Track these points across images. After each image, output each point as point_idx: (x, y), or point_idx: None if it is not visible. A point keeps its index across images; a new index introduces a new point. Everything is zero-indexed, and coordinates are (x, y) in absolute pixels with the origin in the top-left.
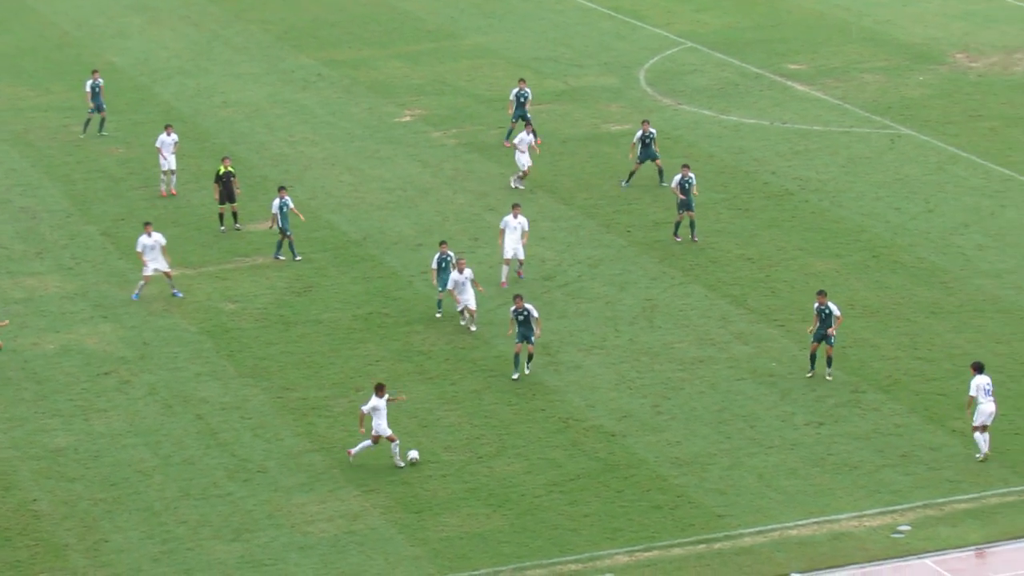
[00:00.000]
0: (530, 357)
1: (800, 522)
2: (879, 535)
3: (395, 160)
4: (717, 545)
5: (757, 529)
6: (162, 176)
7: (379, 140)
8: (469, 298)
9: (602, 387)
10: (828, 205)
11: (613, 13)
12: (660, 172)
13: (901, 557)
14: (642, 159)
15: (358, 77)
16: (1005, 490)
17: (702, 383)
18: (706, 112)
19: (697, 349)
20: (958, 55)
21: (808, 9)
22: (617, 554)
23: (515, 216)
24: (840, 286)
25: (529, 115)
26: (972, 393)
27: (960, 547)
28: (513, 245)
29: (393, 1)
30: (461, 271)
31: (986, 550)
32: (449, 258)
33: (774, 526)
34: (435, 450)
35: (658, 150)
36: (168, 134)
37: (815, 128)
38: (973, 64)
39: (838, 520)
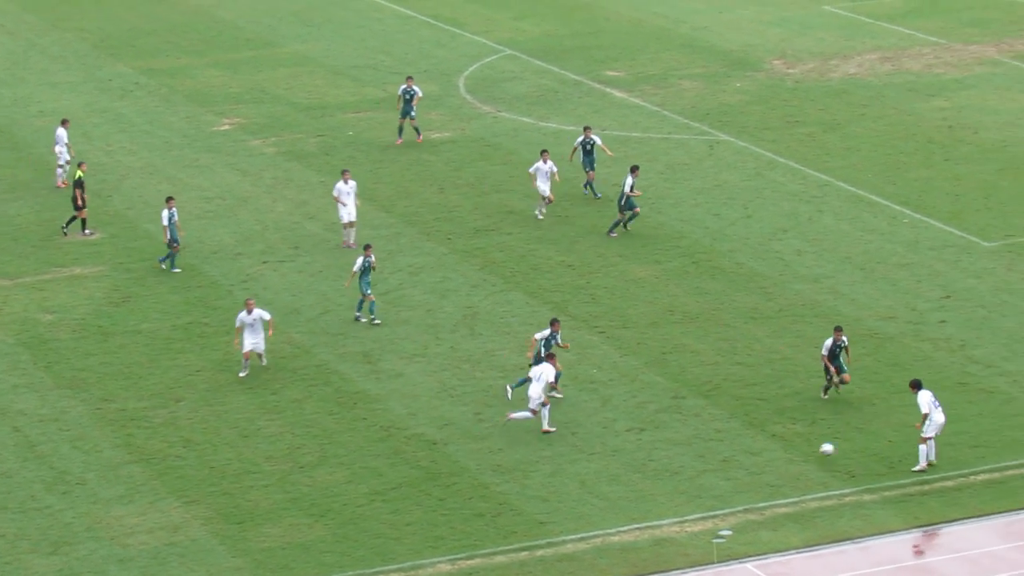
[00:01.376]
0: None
1: (622, 528)
2: (700, 540)
3: (214, 169)
4: (540, 552)
5: (579, 536)
6: (61, 169)
7: (198, 149)
8: (259, 342)
9: (424, 395)
10: (647, 211)
11: (432, 21)
12: (593, 183)
13: (723, 562)
14: (587, 167)
15: (176, 86)
16: (824, 494)
17: (524, 390)
18: (525, 119)
19: (518, 356)
20: (775, 61)
21: (626, 17)
22: (440, 562)
23: (345, 182)
24: (660, 292)
25: (415, 113)
26: (924, 410)
27: (781, 551)
28: (348, 210)
29: (211, 9)
30: (250, 311)
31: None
32: (371, 263)
33: (596, 532)
34: (256, 460)
35: (600, 158)
36: (64, 127)
37: (634, 135)
38: (790, 70)
39: (660, 526)
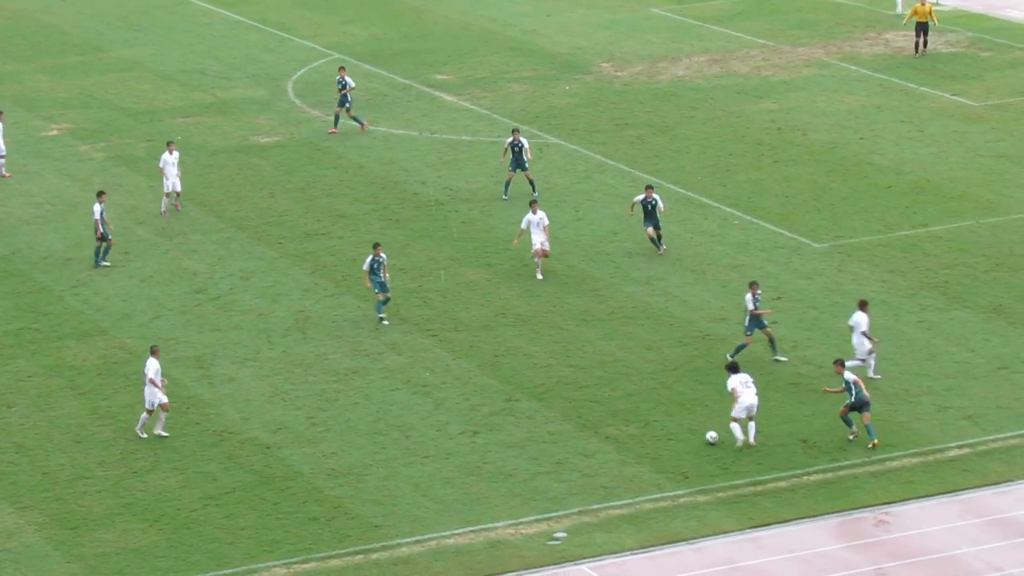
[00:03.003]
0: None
1: (457, 531)
2: (535, 542)
3: (43, 175)
4: (374, 555)
5: (414, 539)
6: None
7: (26, 155)
8: (162, 394)
9: (256, 399)
10: (478, 215)
11: (260, 25)
12: (532, 183)
13: (558, 563)
14: (513, 168)
15: (3, 91)
16: (658, 495)
17: (357, 394)
18: (354, 123)
19: (351, 360)
20: (604, 64)
21: (454, 20)
22: (275, 566)
23: (171, 152)
24: (492, 295)
25: (350, 104)
26: (732, 387)
27: (616, 552)
28: (172, 180)
29: (37, 14)
30: (155, 354)
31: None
32: (382, 261)
33: (431, 535)
34: (89, 465)
35: (528, 161)
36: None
37: (464, 138)
38: (619, 73)
39: (494, 528)
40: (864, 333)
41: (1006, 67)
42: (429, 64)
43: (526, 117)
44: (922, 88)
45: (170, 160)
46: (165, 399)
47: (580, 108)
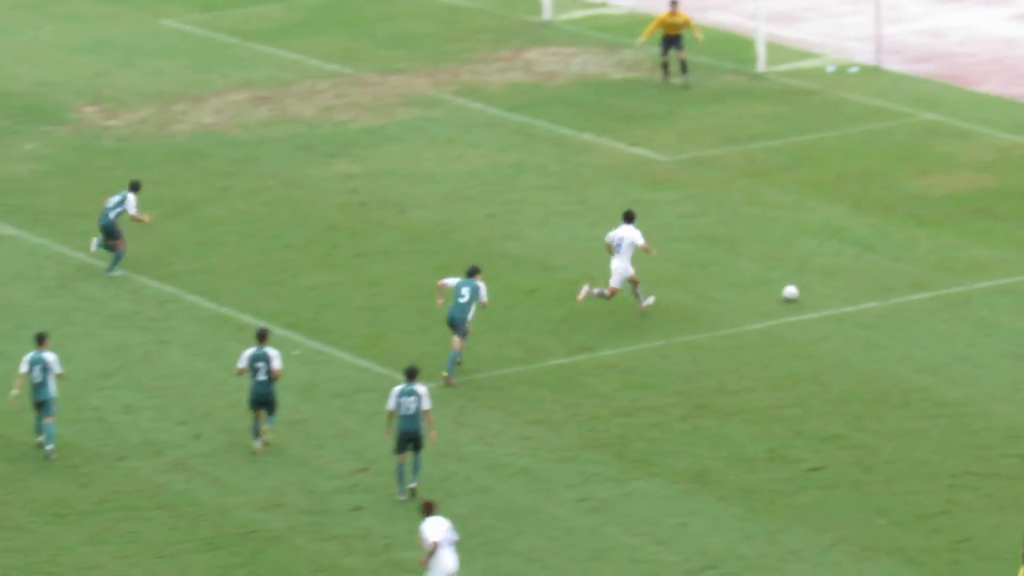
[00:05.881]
0: None
1: None
2: None
3: None
4: None
5: None
6: None
7: None
8: None
9: None
10: None
11: None
12: None
13: None
14: None
15: None
16: None
17: None
18: None
19: None
20: (88, 108)
21: None
22: None
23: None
24: None
25: None
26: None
27: None
28: None
29: None
30: None
31: None
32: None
33: None
34: None
35: None
36: None
37: None
38: (111, 122)
39: None
40: None
41: (711, 99)
42: None
43: None
44: (583, 135)
45: None
46: None
47: (50, 179)
